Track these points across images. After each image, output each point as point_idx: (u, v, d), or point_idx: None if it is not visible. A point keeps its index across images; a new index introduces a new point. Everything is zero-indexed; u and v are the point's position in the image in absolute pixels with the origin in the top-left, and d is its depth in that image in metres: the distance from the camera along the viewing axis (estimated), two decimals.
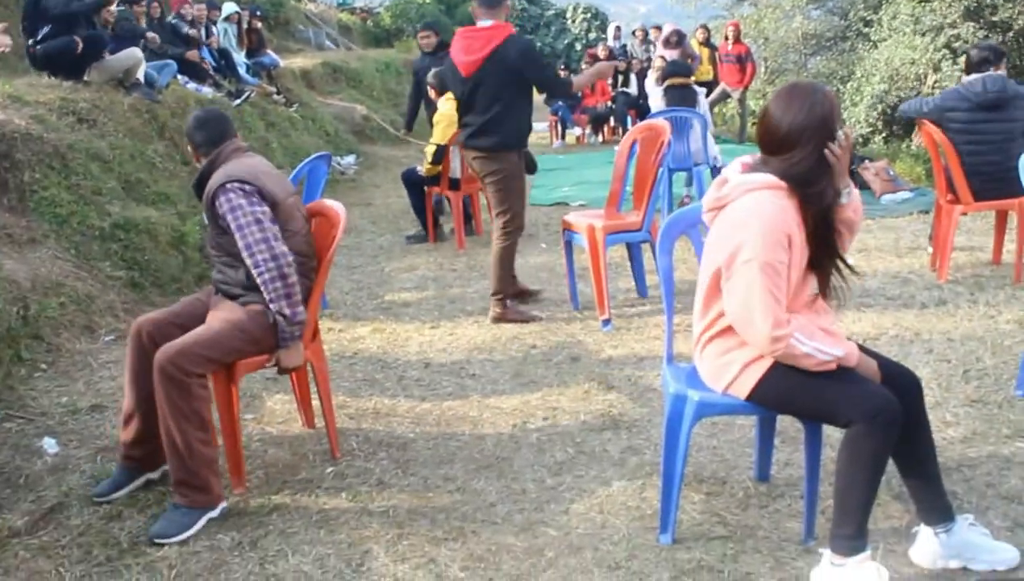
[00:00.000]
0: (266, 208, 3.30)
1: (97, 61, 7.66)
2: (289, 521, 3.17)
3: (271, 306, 3.27)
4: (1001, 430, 3.60)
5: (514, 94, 5.11)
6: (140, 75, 8.04)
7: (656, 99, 8.30)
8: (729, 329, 2.69)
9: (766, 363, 2.65)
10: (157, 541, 3.06)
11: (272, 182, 3.40)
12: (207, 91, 9.69)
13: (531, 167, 6.90)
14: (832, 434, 3.12)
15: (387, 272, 6.71)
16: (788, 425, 3.46)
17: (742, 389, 2.70)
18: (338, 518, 3.18)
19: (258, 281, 3.25)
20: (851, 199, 2.70)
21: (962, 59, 16.78)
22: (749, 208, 2.59)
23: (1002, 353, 4.40)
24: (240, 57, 11.58)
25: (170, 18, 10.39)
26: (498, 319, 5.28)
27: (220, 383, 3.29)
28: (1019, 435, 3.55)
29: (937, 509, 2.70)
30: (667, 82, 8.30)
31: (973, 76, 5.53)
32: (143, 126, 7.55)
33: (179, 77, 9.30)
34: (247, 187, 3.29)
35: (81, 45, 7.36)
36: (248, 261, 3.25)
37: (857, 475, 2.54)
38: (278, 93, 11.65)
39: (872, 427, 2.50)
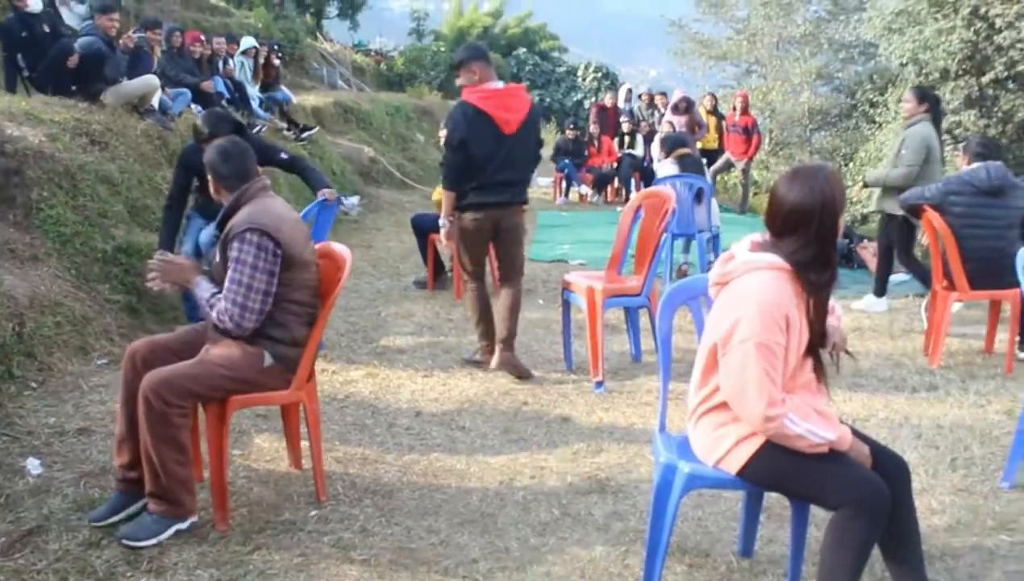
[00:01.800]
0: (276, 266, 3.34)
1: (113, 84, 7.76)
2: (269, 562, 3.15)
3: (212, 306, 3.35)
4: (986, 521, 3.60)
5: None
6: (155, 101, 8.13)
7: (667, 166, 8.39)
8: (724, 403, 2.72)
9: (759, 440, 2.66)
10: (126, 542, 3.16)
11: (292, 232, 3.43)
12: (237, 118, 9.77)
13: None
14: (818, 513, 3.13)
15: (383, 317, 6.73)
16: (774, 502, 3.46)
17: (733, 464, 2.72)
18: (319, 563, 3.16)
19: (218, 307, 3.32)
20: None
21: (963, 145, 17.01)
22: (750, 287, 2.63)
23: (990, 443, 4.41)
24: (254, 91, 11.72)
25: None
26: (504, 364, 5.32)
27: (212, 418, 3.31)
28: (1004, 528, 3.55)
29: None
30: (677, 153, 8.40)
31: (976, 164, 5.66)
32: (154, 152, 7.63)
33: (192, 106, 9.40)
34: (266, 242, 3.31)
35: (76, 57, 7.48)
36: (224, 295, 3.31)
37: (842, 558, 2.55)
38: (288, 129, 11.75)
39: (861, 512, 2.52)
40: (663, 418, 3.15)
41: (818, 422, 2.62)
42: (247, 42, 12.10)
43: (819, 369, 2.75)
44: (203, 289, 3.43)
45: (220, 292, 3.37)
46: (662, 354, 3.09)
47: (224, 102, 10.47)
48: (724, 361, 2.65)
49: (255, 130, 10.17)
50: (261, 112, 11.45)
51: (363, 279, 8.00)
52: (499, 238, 5.35)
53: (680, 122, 12.86)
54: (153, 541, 3.18)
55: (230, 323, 3.31)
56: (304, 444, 3.88)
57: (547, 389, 5.13)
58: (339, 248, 3.64)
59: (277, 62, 12.96)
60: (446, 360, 5.65)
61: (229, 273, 3.32)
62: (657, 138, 12.01)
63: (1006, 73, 17.84)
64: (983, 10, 17.51)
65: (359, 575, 3.10)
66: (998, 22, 17.43)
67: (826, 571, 2.58)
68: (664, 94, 15.23)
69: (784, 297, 2.60)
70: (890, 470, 2.68)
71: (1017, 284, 4.54)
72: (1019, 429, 4.01)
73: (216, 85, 10.42)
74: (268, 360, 3.37)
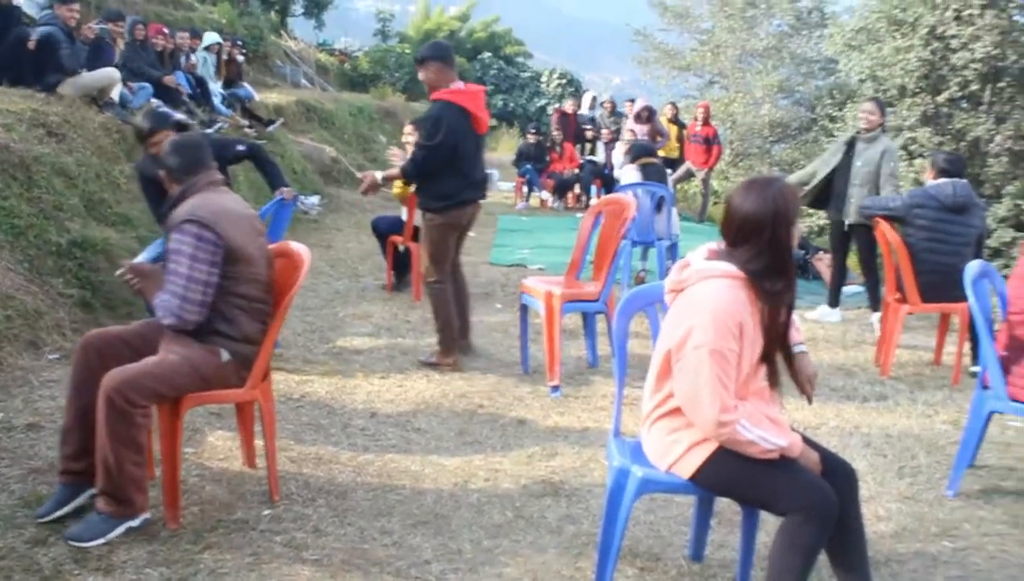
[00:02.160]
0: (217, 257, 3.30)
1: (72, 75, 7.66)
2: (220, 561, 3.13)
3: (161, 307, 3.28)
4: (930, 528, 3.69)
5: None
6: (115, 94, 8.04)
7: (631, 173, 8.45)
8: (678, 409, 2.75)
9: (711, 446, 2.70)
10: (72, 542, 3.11)
11: (235, 225, 3.39)
12: (180, 117, 9.68)
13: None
14: (768, 519, 3.18)
15: (341, 317, 6.71)
16: (725, 507, 3.51)
17: (686, 469, 2.75)
18: (271, 563, 3.15)
19: (157, 305, 3.29)
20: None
21: (918, 161, 17.35)
22: (705, 295, 2.67)
23: (936, 452, 4.51)
24: (216, 87, 11.62)
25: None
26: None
27: (165, 416, 3.28)
28: (947, 534, 3.64)
29: None
30: (641, 161, 8.46)
31: (942, 180, 5.77)
32: (112, 146, 7.53)
33: (153, 100, 9.30)
34: (205, 233, 3.28)
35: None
36: (164, 287, 3.28)
37: (790, 562, 2.60)
38: (251, 126, 11.66)
39: (809, 518, 2.57)
40: (617, 423, 3.19)
41: (770, 429, 2.66)
42: (210, 37, 12.00)
43: (773, 377, 2.80)
44: (159, 290, 3.37)
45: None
46: (618, 359, 3.13)
47: (186, 97, 10.38)
48: (678, 367, 2.68)
49: (215, 127, 10.11)
50: (223, 108, 11.36)
51: (321, 279, 7.96)
52: (461, 234, 5.61)
53: (642, 131, 12.96)
54: (101, 540, 3.14)
55: (170, 316, 3.26)
56: (259, 443, 3.86)
57: (503, 392, 5.14)
58: (297, 247, 3.63)
59: (240, 58, 12.88)
60: (403, 362, 5.65)
61: (169, 265, 3.28)
62: (619, 145, 12.10)
63: (960, 93, 18.23)
64: (940, 30, 17.88)
65: (311, 575, 3.09)
66: (954, 43, 17.80)
67: (774, 575, 2.63)
68: (633, 101, 15.33)
69: (737, 305, 2.64)
70: (839, 477, 2.73)
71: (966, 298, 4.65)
72: (964, 439, 4.11)
73: (178, 80, 10.32)
74: (225, 356, 3.36)
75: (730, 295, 2.65)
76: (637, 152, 8.64)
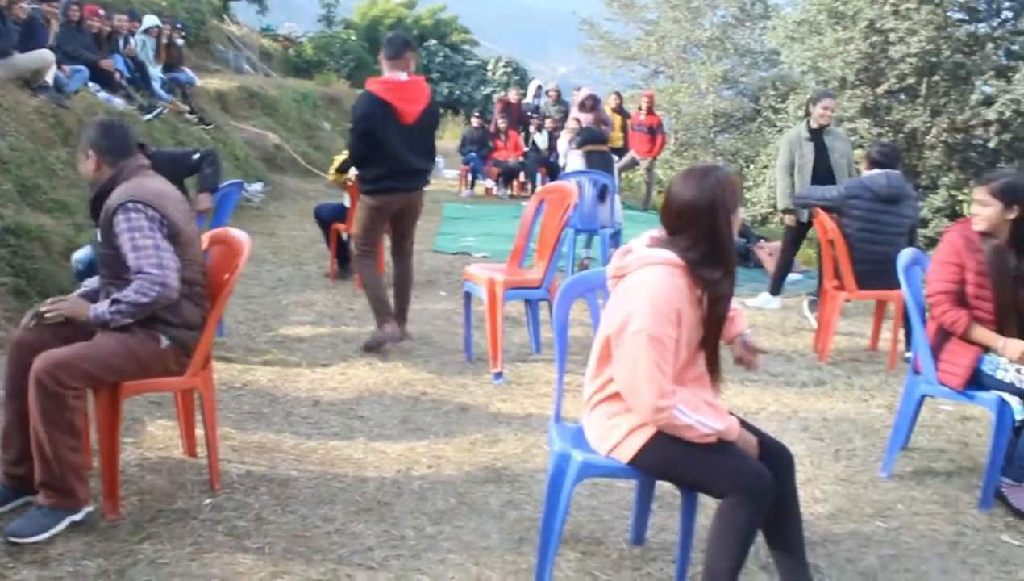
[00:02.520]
0: (165, 236, 3.25)
1: (3, 57, 7.46)
2: (160, 552, 3.10)
3: (113, 303, 3.17)
4: (864, 509, 3.79)
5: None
6: (49, 78, 7.86)
7: (575, 160, 8.48)
8: (618, 394, 2.79)
9: (650, 431, 2.74)
10: (12, 539, 3.03)
11: (175, 209, 3.35)
12: (118, 102, 9.52)
13: None
14: (707, 502, 3.23)
15: (284, 305, 6.65)
16: (666, 491, 3.56)
17: (625, 453, 2.79)
18: (212, 552, 3.13)
19: (129, 292, 3.15)
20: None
21: (858, 152, 17.73)
22: (644, 281, 2.70)
23: (871, 435, 4.63)
24: (156, 71, 11.41)
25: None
26: (391, 336, 5.58)
27: (104, 404, 3.23)
28: (880, 515, 3.75)
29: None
30: (586, 148, 8.49)
31: (876, 171, 5.90)
32: (47, 131, 7.37)
33: (90, 84, 9.12)
34: (150, 212, 3.23)
35: None
36: (134, 278, 3.17)
37: (728, 544, 2.65)
38: (191, 112, 11.49)
39: (746, 500, 2.62)
40: (558, 408, 3.22)
41: (707, 413, 2.71)
42: (149, 20, 11.79)
43: (711, 364, 2.84)
44: (98, 308, 3.21)
45: (117, 288, 3.24)
46: (558, 345, 3.15)
47: (124, 81, 10.18)
48: (617, 353, 2.71)
49: (155, 112, 9.95)
50: (163, 93, 11.15)
51: (264, 267, 7.89)
52: (398, 219, 5.69)
53: (586, 120, 12.98)
54: (44, 536, 3.06)
55: (159, 287, 3.14)
56: (200, 432, 3.82)
57: (446, 379, 5.15)
58: (236, 233, 3.59)
59: (180, 42, 12.66)
60: (346, 350, 5.62)
61: (127, 246, 3.18)
62: (564, 133, 12.12)
63: (898, 85, 18.61)
64: (879, 24, 18.21)
65: (252, 564, 3.07)
66: (891, 36, 18.15)
67: (712, 556, 2.68)
68: (580, 90, 15.34)
69: (676, 292, 2.68)
70: (775, 460, 2.79)
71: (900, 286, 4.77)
72: (896, 423, 4.22)
73: (116, 63, 10.11)
74: (164, 342, 3.30)
75: (669, 282, 2.68)
76: (585, 138, 8.66)
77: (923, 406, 4.26)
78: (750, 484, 2.63)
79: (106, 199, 3.31)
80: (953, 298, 3.87)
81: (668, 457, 2.75)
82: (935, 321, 3.96)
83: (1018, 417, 3.81)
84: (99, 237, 3.38)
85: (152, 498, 3.49)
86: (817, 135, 7.02)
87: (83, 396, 3.15)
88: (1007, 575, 3.34)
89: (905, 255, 4.21)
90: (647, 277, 2.71)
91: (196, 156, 5.73)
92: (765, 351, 3.06)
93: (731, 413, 2.83)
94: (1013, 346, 3.76)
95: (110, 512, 3.27)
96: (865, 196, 5.83)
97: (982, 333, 3.84)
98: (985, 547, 3.52)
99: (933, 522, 3.72)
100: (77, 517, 3.16)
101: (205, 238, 3.70)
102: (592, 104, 12.90)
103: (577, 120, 12.27)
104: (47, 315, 3.25)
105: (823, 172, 6.97)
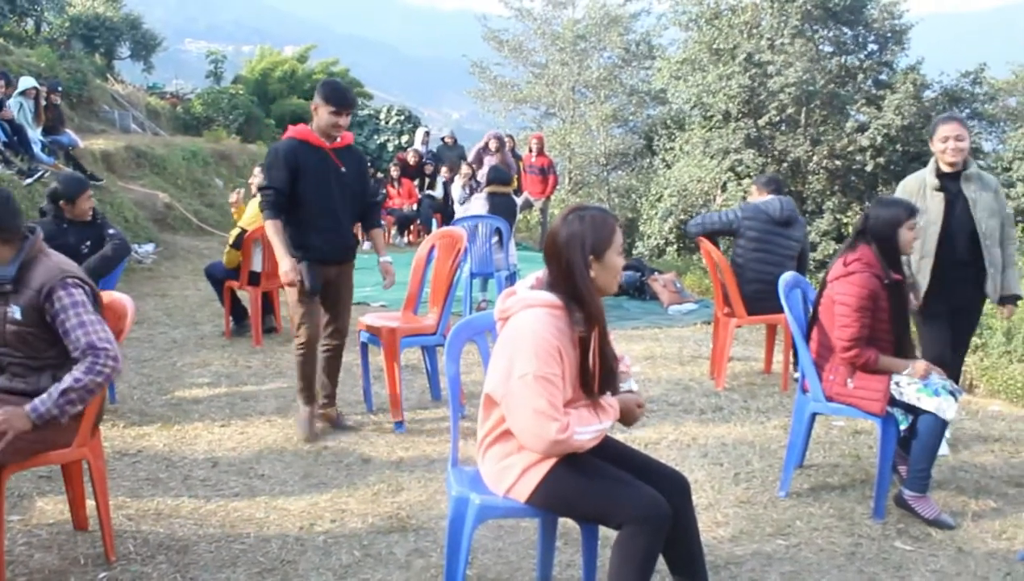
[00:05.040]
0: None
1: None
2: None
3: (62, 395, 3.05)
4: (765, 529, 3.89)
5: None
6: None
7: (477, 203, 8.54)
8: (507, 433, 2.81)
9: (544, 468, 2.77)
10: None
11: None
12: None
13: None
14: (610, 535, 3.27)
15: (179, 367, 6.50)
16: (571, 528, 3.58)
17: (521, 492, 2.81)
18: None
19: (81, 376, 3.07)
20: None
21: (745, 181, 18.33)
22: (525, 323, 2.74)
23: (769, 456, 4.76)
24: (35, 134, 11.10)
25: None
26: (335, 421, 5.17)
27: None
28: (780, 533, 3.85)
29: None
30: (489, 189, 8.56)
31: (769, 196, 6.14)
32: None
33: None
34: (87, 289, 3.22)
35: None
36: (86, 354, 3.10)
37: (626, 573, 2.68)
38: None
39: (642, 528, 2.66)
40: (455, 452, 3.22)
41: (594, 418, 2.78)
42: (26, 82, 11.49)
43: (591, 397, 2.84)
44: (40, 407, 3.06)
45: (28, 369, 3.16)
46: (452, 390, 3.16)
47: (1, 146, 9.88)
48: (506, 401, 2.73)
49: (36, 176, 9.68)
50: (44, 156, 10.86)
51: (157, 329, 7.70)
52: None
53: (492, 161, 13.12)
54: None
55: (112, 362, 3.10)
56: (92, 504, 3.69)
57: (347, 431, 5.09)
58: (120, 297, 3.52)
59: (59, 101, 12.34)
60: (244, 408, 5.52)
61: (73, 322, 3.11)
62: (457, 179, 12.20)
63: (778, 116, 19.36)
64: (756, 57, 18.95)
65: None
66: (770, 68, 18.90)
67: None
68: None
69: (555, 332, 2.72)
70: (670, 487, 2.84)
71: None
72: (790, 442, 4.35)
73: None
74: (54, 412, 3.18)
75: (548, 322, 2.73)
76: (491, 177, 8.72)
77: (817, 423, 4.41)
78: (646, 513, 2.67)
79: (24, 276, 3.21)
80: (865, 341, 3.99)
81: (563, 493, 2.78)
82: (845, 363, 4.05)
83: (902, 426, 3.98)
84: (17, 314, 3.21)
85: (42, 577, 3.35)
86: (950, 181, 4.67)
87: None
88: (902, 580, 3.46)
89: (785, 279, 4.37)
90: (528, 319, 2.75)
91: (112, 230, 5.62)
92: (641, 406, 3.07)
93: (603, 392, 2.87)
94: (919, 367, 3.96)
95: None
96: (760, 218, 6.06)
97: (888, 362, 4.00)
98: (880, 555, 3.66)
99: (831, 535, 3.84)
100: None
101: None
102: (498, 146, 13.04)
103: (471, 165, 12.38)
104: None
105: (961, 235, 4.63)
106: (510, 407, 2.72)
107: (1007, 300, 4.72)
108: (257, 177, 7.45)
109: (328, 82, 5.03)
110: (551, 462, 2.77)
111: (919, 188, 4.70)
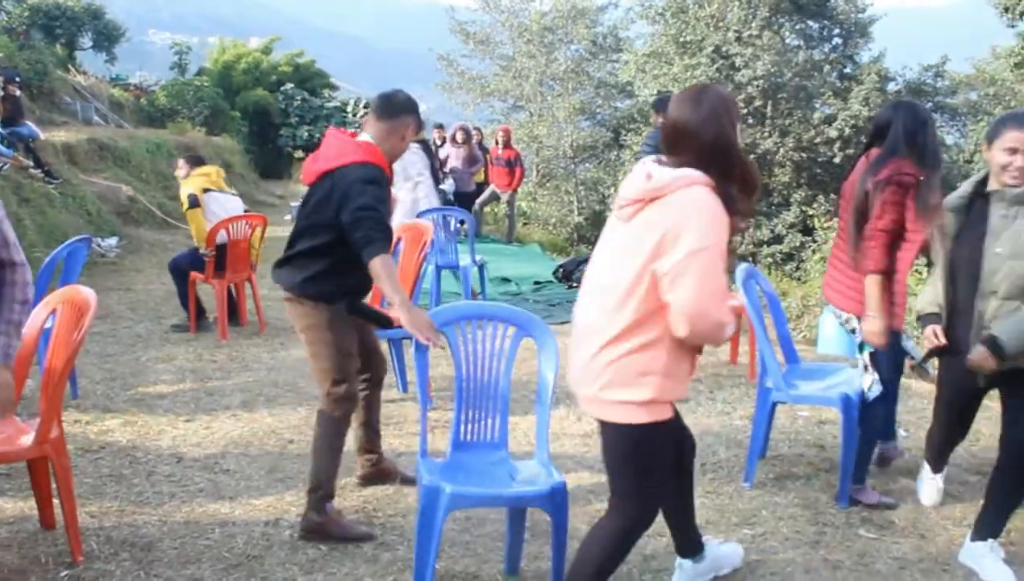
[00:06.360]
0: None
1: None
2: None
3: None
4: (731, 519, 3.94)
5: None
6: None
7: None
8: (651, 346, 2.58)
9: (667, 412, 2.66)
10: None
11: None
12: None
13: None
14: (579, 528, 3.29)
15: (143, 362, 6.43)
16: (539, 519, 3.59)
17: (637, 416, 2.62)
18: None
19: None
20: None
21: None
22: (697, 197, 2.53)
23: (734, 447, 4.80)
24: None
25: None
26: (313, 531, 3.68)
27: None
28: (746, 523, 3.90)
29: (693, 544, 3.27)
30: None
31: None
32: None
33: None
34: None
35: None
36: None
37: (597, 551, 2.75)
38: (35, 167, 11.04)
39: (632, 530, 2.77)
40: (424, 443, 3.22)
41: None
42: None
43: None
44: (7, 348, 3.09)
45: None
46: (419, 379, 3.17)
47: None
48: (673, 279, 2.50)
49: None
50: (3, 149, 10.68)
51: (121, 324, 7.61)
52: None
53: (457, 154, 13.11)
54: None
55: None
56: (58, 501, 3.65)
57: (313, 426, 5.04)
58: (82, 290, 3.48)
59: (18, 93, 12.15)
60: (209, 403, 5.47)
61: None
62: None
63: (746, 109, 19.48)
64: (724, 49, 19.06)
65: None
66: (737, 61, 19.02)
67: (582, 561, 2.76)
68: (440, 127, 15.40)
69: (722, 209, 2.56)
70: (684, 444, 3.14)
71: None
72: (753, 432, 4.39)
73: None
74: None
75: (716, 199, 2.55)
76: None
77: (783, 414, 4.44)
78: (647, 520, 2.76)
79: None
80: (889, 240, 3.72)
81: (649, 447, 2.66)
82: (863, 247, 3.75)
83: (872, 392, 3.93)
84: None
85: (2, 577, 3.31)
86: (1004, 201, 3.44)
87: None
88: (865, 567, 3.52)
89: (740, 271, 4.41)
90: (699, 194, 2.54)
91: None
92: None
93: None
94: (872, 323, 3.76)
95: None
96: None
97: (875, 291, 3.73)
98: (844, 543, 3.71)
99: (796, 524, 3.88)
100: None
101: (52, 298, 3.58)
102: (465, 138, 13.03)
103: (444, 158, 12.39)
104: None
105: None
106: (682, 285, 2.47)
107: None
108: (182, 169, 7.60)
109: (411, 101, 3.95)
110: (671, 412, 2.68)
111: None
